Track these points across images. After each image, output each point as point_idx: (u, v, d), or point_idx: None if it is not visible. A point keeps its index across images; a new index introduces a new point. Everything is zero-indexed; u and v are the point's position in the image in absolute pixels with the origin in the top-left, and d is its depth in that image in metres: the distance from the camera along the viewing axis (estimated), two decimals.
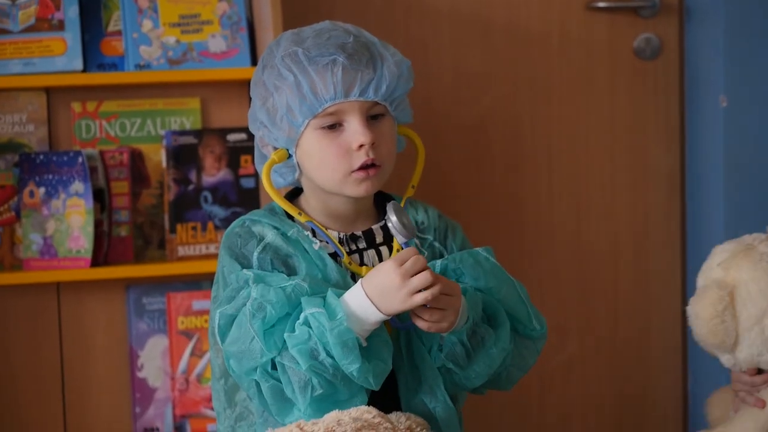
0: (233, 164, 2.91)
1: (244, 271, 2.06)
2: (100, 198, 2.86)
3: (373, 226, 2.17)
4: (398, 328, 2.10)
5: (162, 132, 2.92)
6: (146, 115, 2.93)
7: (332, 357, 1.95)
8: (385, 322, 2.03)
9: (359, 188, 2.09)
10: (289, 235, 2.10)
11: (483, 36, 3.13)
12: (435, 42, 3.10)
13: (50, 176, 2.83)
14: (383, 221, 2.17)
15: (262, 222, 2.12)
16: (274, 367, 2.00)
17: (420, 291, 1.94)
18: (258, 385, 2.02)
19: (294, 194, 2.23)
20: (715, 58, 3.09)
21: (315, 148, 2.09)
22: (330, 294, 1.99)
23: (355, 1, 3.05)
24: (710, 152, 3.12)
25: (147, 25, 2.88)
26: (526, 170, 3.16)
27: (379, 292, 1.95)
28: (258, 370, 2.01)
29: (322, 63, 2.05)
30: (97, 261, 2.84)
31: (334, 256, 2.12)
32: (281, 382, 1.99)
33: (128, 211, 2.90)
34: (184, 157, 2.89)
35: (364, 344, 1.97)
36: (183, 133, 2.90)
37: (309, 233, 2.11)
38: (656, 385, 3.26)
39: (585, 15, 3.17)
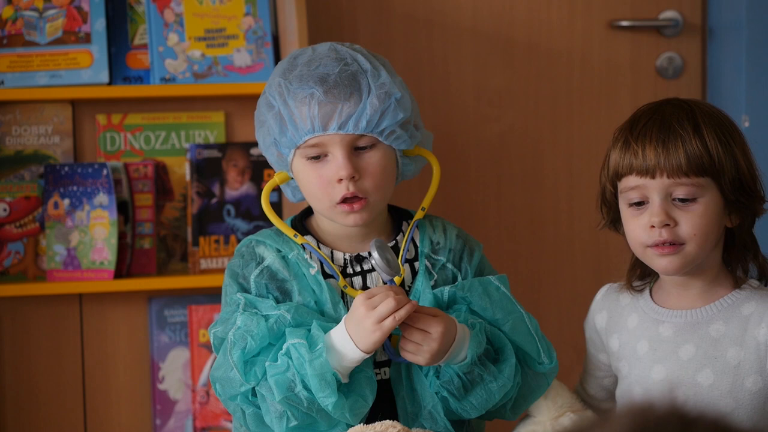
0: (256, 178, 2.92)
1: (238, 294, 2.07)
2: (124, 210, 2.88)
3: None
4: (396, 360, 2.08)
5: (186, 145, 2.94)
6: (171, 129, 2.95)
7: (309, 390, 1.95)
8: (383, 355, 2.06)
9: (348, 219, 2.07)
10: (289, 257, 2.10)
11: (505, 54, 3.14)
12: (457, 59, 3.12)
13: (75, 188, 2.85)
14: (393, 242, 2.15)
15: (266, 243, 2.12)
16: (255, 394, 2.01)
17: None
18: (243, 409, 2.04)
19: (310, 212, 2.22)
20: (738, 78, 3.10)
21: (302, 177, 2.08)
22: (315, 326, 1.99)
23: (378, 18, 3.07)
24: None
25: (173, 38, 2.90)
26: (547, 188, 3.16)
27: (354, 325, 1.96)
28: (239, 397, 2.02)
29: (300, 96, 2.03)
30: (120, 273, 2.85)
31: (342, 275, 2.11)
32: (261, 410, 2.00)
33: (152, 224, 2.91)
34: (207, 170, 2.91)
35: (345, 380, 1.97)
36: (207, 146, 2.92)
37: (308, 257, 2.10)
38: None
39: (607, 34, 3.18)
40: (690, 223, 1.91)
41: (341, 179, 2.03)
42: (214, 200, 2.91)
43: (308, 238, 2.12)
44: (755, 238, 2.01)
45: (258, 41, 2.91)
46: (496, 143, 3.14)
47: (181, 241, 2.94)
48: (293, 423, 1.97)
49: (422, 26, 3.10)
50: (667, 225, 1.91)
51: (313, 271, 2.08)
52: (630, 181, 1.95)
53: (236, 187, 2.92)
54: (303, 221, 2.17)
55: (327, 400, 1.94)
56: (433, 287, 2.10)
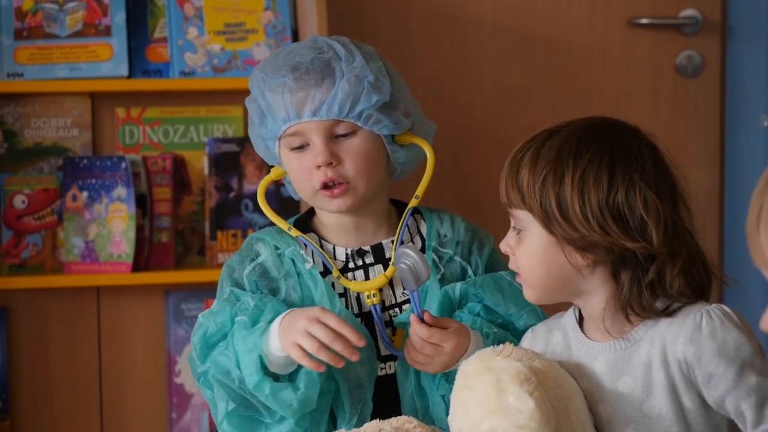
0: None
1: (228, 288, 2.08)
2: (142, 203, 2.88)
3: (383, 240, 2.14)
4: (397, 355, 2.08)
5: (205, 139, 2.94)
6: (189, 122, 2.95)
7: (240, 368, 1.94)
8: (387, 350, 2.05)
9: (330, 205, 2.05)
10: (285, 254, 2.09)
11: (525, 50, 3.14)
12: (477, 55, 3.11)
13: (93, 181, 2.85)
14: (394, 236, 2.14)
15: (264, 240, 2.11)
16: None
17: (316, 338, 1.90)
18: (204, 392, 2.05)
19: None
20: (757, 77, 3.09)
21: (288, 167, 2.08)
22: (269, 307, 1.98)
23: (398, 13, 3.07)
24: (750, 171, 3.12)
25: (192, 32, 2.90)
26: None
27: (288, 323, 1.93)
28: (201, 378, 2.02)
29: (274, 86, 2.02)
30: (137, 266, 2.86)
31: (344, 270, 2.12)
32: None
33: (169, 217, 2.92)
34: (226, 164, 2.91)
35: (272, 368, 1.95)
36: (225, 140, 2.92)
37: (304, 252, 2.08)
38: None
39: (627, 31, 3.17)
40: (518, 249, 1.82)
41: (319, 166, 2.01)
42: (232, 194, 2.91)
43: (311, 235, 2.12)
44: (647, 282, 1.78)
45: (277, 36, 2.91)
46: (515, 140, 3.12)
47: (198, 234, 2.95)
48: (231, 406, 1.96)
49: (443, 22, 3.09)
50: (509, 254, 1.86)
51: (308, 266, 2.06)
52: None
53: (254, 181, 2.92)
54: (308, 220, 2.17)
55: (250, 378, 1.93)
56: (440, 281, 2.10)
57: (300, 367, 1.95)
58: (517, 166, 1.80)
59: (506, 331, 2.07)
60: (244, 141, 2.92)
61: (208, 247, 2.91)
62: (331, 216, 2.11)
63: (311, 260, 2.07)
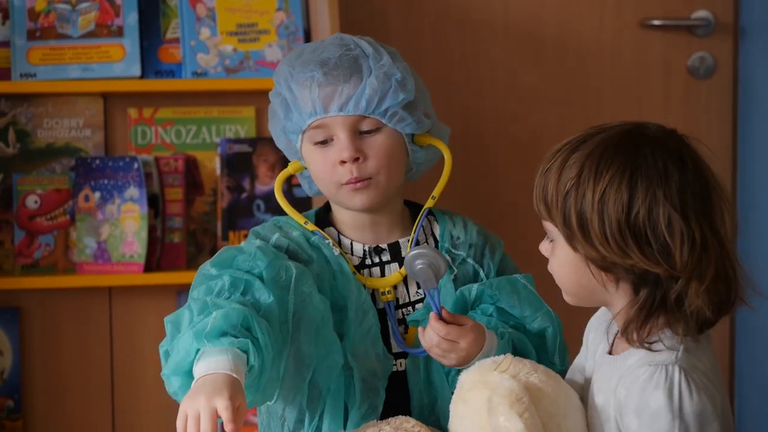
0: None
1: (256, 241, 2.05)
2: (154, 204, 2.89)
3: (400, 240, 2.15)
4: (416, 354, 2.09)
5: (217, 140, 2.94)
6: (201, 123, 2.96)
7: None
8: (399, 347, 2.07)
9: (354, 201, 2.07)
10: (311, 241, 2.10)
11: (536, 51, 3.14)
12: (487, 57, 3.11)
13: (106, 181, 2.86)
14: (410, 237, 2.15)
15: (291, 224, 2.12)
16: None
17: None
18: None
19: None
20: None
21: (310, 161, 2.09)
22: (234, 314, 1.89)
23: (409, 14, 3.07)
24: (763, 172, 3.11)
25: (205, 33, 2.90)
26: None
27: (199, 385, 1.80)
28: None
29: (302, 80, 2.04)
30: (149, 266, 2.86)
31: (360, 266, 2.12)
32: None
33: (182, 218, 2.92)
34: (238, 165, 2.91)
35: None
36: (237, 141, 2.92)
37: (330, 241, 2.10)
38: None
39: (639, 32, 3.17)
40: (552, 261, 1.82)
41: (344, 161, 2.03)
42: (244, 195, 2.91)
43: (329, 230, 2.13)
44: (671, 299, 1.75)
45: (290, 36, 2.92)
46: (526, 141, 3.14)
47: (210, 235, 2.95)
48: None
49: (454, 23, 3.09)
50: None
51: (336, 252, 2.07)
52: None
53: (266, 182, 2.92)
54: (326, 214, 2.18)
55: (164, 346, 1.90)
56: (454, 281, 2.11)
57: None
58: (545, 177, 1.78)
59: (520, 333, 2.08)
60: (256, 142, 2.93)
61: (220, 248, 2.90)
62: (347, 213, 2.12)
63: (337, 249, 2.08)
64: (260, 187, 2.92)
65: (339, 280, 2.07)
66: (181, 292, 2.93)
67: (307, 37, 2.93)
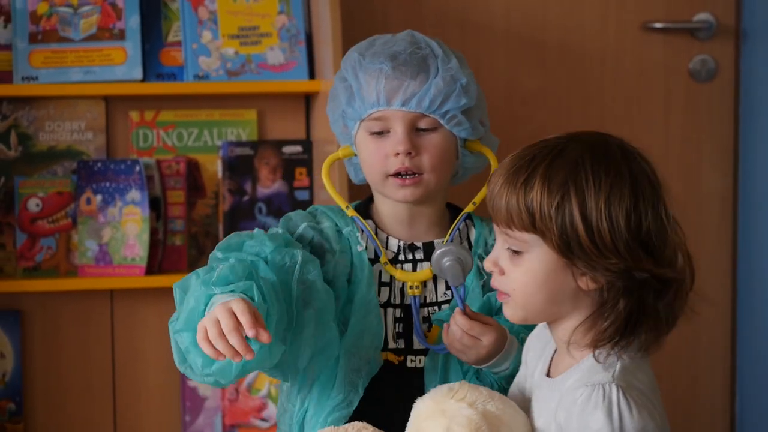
0: (288, 176, 2.92)
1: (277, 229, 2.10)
2: (156, 207, 2.89)
3: (435, 240, 2.18)
4: (436, 351, 2.11)
5: (218, 143, 2.94)
6: (203, 126, 2.96)
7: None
8: (419, 342, 2.10)
9: (398, 194, 2.11)
10: (343, 232, 2.14)
11: (537, 55, 3.14)
12: (489, 60, 3.11)
13: (107, 184, 2.86)
14: (444, 237, 2.18)
15: (327, 215, 2.17)
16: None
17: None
18: None
19: (372, 199, 2.25)
20: None
21: (363, 149, 2.14)
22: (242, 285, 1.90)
23: (411, 18, 3.07)
24: (764, 176, 3.11)
25: (206, 36, 2.90)
26: None
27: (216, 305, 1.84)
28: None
29: (371, 70, 2.09)
30: (151, 269, 2.86)
31: (393, 261, 2.15)
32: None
33: (183, 221, 2.92)
34: (239, 168, 2.91)
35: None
36: (239, 144, 2.93)
37: (359, 235, 2.14)
38: (704, 407, 3.25)
39: (640, 35, 3.17)
40: (513, 270, 1.77)
41: (398, 153, 2.08)
42: (245, 198, 2.91)
43: (368, 222, 2.17)
44: (637, 308, 1.74)
45: (291, 39, 2.92)
46: (528, 144, 3.13)
47: (212, 238, 2.95)
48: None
49: (455, 27, 3.09)
50: (493, 272, 1.80)
51: (360, 249, 2.12)
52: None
53: (268, 185, 2.93)
54: (367, 206, 2.22)
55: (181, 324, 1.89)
56: (482, 287, 2.14)
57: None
58: (524, 186, 1.73)
59: None
60: (257, 145, 2.93)
61: None
62: (388, 205, 2.16)
63: (364, 244, 2.13)
64: (262, 190, 2.92)
65: (357, 275, 2.11)
66: None
67: (309, 41, 2.93)
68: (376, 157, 2.10)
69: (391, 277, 2.14)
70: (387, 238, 2.17)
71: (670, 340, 3.19)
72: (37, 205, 2.88)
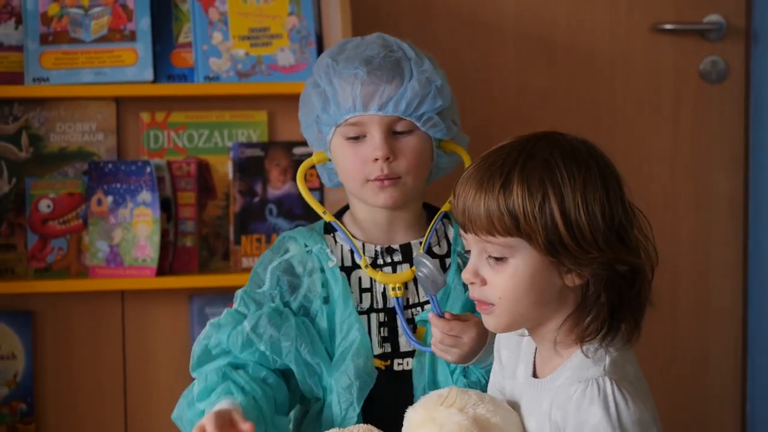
0: None
1: (246, 289, 2.17)
2: (167, 208, 2.89)
3: (412, 241, 2.18)
4: (422, 350, 2.11)
5: (229, 144, 2.95)
6: (214, 127, 2.96)
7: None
8: (407, 345, 2.12)
9: (377, 198, 2.11)
10: (313, 250, 2.14)
11: (547, 56, 3.14)
12: (499, 61, 3.11)
13: (118, 185, 2.86)
14: (423, 237, 2.18)
15: (296, 239, 2.18)
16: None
17: None
18: None
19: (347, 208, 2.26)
20: None
21: (338, 154, 2.14)
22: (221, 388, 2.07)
23: (421, 19, 3.07)
24: None
25: (217, 37, 2.91)
26: None
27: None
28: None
29: (345, 75, 2.09)
30: (162, 270, 2.86)
31: (349, 270, 2.16)
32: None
33: (194, 222, 2.93)
34: (250, 169, 2.92)
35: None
36: (250, 145, 2.93)
37: (330, 251, 2.14)
38: (715, 411, 3.24)
39: (650, 37, 3.17)
40: (496, 278, 1.74)
41: (377, 159, 2.08)
42: (256, 199, 2.92)
43: (337, 234, 2.17)
44: (616, 299, 1.73)
45: (302, 41, 2.92)
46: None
47: (223, 239, 2.95)
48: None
49: (465, 26, 3.10)
50: (473, 283, 1.77)
51: (331, 264, 2.13)
52: (459, 230, 1.82)
53: (278, 186, 2.93)
54: (341, 216, 2.22)
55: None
56: (463, 285, 2.12)
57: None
58: (503, 191, 1.71)
59: None
60: (268, 146, 2.93)
61: (232, 252, 2.91)
62: (366, 210, 2.16)
63: (335, 259, 2.14)
64: (272, 191, 2.92)
65: (332, 293, 2.12)
66: (194, 296, 2.93)
67: (320, 42, 2.94)
68: (354, 163, 2.10)
69: (372, 282, 2.14)
70: (363, 245, 2.17)
71: (680, 341, 3.20)
72: (48, 206, 2.89)
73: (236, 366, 2.10)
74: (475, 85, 3.11)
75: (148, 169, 2.85)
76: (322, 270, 2.13)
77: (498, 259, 1.74)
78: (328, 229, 2.19)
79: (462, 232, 1.78)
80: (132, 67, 2.88)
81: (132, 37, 2.89)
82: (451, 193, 2.14)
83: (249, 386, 2.05)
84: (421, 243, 2.16)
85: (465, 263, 2.15)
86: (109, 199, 2.87)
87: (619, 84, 3.16)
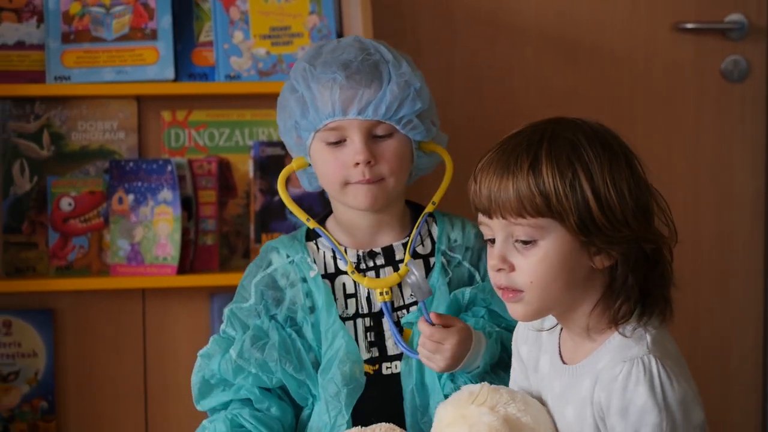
0: None
1: (232, 307, 2.19)
2: (188, 206, 2.90)
3: (394, 243, 2.18)
4: (410, 356, 2.11)
5: (250, 142, 2.95)
6: (235, 126, 2.97)
7: None
8: (396, 349, 2.13)
9: (357, 201, 2.11)
10: (295, 261, 2.15)
11: (568, 55, 3.13)
12: (519, 60, 3.11)
13: (139, 183, 2.87)
14: (405, 239, 2.18)
15: (278, 249, 2.19)
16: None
17: None
18: None
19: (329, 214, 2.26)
20: None
21: (318, 159, 2.13)
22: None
23: (441, 17, 3.07)
24: None
25: (238, 36, 2.91)
26: None
27: None
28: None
29: (323, 80, 2.08)
30: (182, 268, 2.87)
31: (332, 277, 2.16)
32: None
33: (215, 220, 2.93)
34: (271, 167, 2.92)
35: None
36: (270, 144, 2.93)
37: (311, 260, 2.15)
38: (735, 407, 3.23)
39: (672, 36, 3.16)
40: (526, 263, 1.72)
41: (358, 163, 2.08)
42: (276, 197, 2.92)
43: (320, 241, 2.18)
44: (643, 279, 1.74)
45: (323, 39, 2.92)
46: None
47: (243, 237, 2.96)
48: None
49: (485, 26, 3.09)
50: (502, 269, 1.74)
51: (312, 274, 2.13)
52: (479, 218, 1.79)
53: (298, 184, 2.92)
54: (324, 222, 2.23)
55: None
56: (448, 284, 2.14)
57: None
58: (532, 171, 1.71)
59: (509, 332, 2.10)
60: None
61: (252, 250, 2.92)
62: (349, 214, 2.16)
63: (316, 268, 2.14)
64: (293, 190, 2.92)
65: (316, 303, 2.13)
66: (214, 294, 2.94)
67: None
68: (334, 167, 2.10)
69: (356, 287, 2.15)
70: (345, 250, 2.17)
71: (702, 340, 3.19)
72: (70, 204, 2.90)
73: (241, 402, 2.15)
74: (495, 85, 3.11)
75: (169, 168, 2.86)
76: (305, 280, 2.14)
77: (526, 243, 1.73)
78: (311, 235, 2.19)
79: (484, 219, 1.77)
80: (153, 65, 2.88)
81: (153, 35, 2.89)
82: (434, 191, 2.17)
83: (257, 431, 2.11)
84: (404, 245, 2.16)
85: (450, 263, 2.17)
86: (130, 197, 2.88)
87: (640, 83, 3.16)
